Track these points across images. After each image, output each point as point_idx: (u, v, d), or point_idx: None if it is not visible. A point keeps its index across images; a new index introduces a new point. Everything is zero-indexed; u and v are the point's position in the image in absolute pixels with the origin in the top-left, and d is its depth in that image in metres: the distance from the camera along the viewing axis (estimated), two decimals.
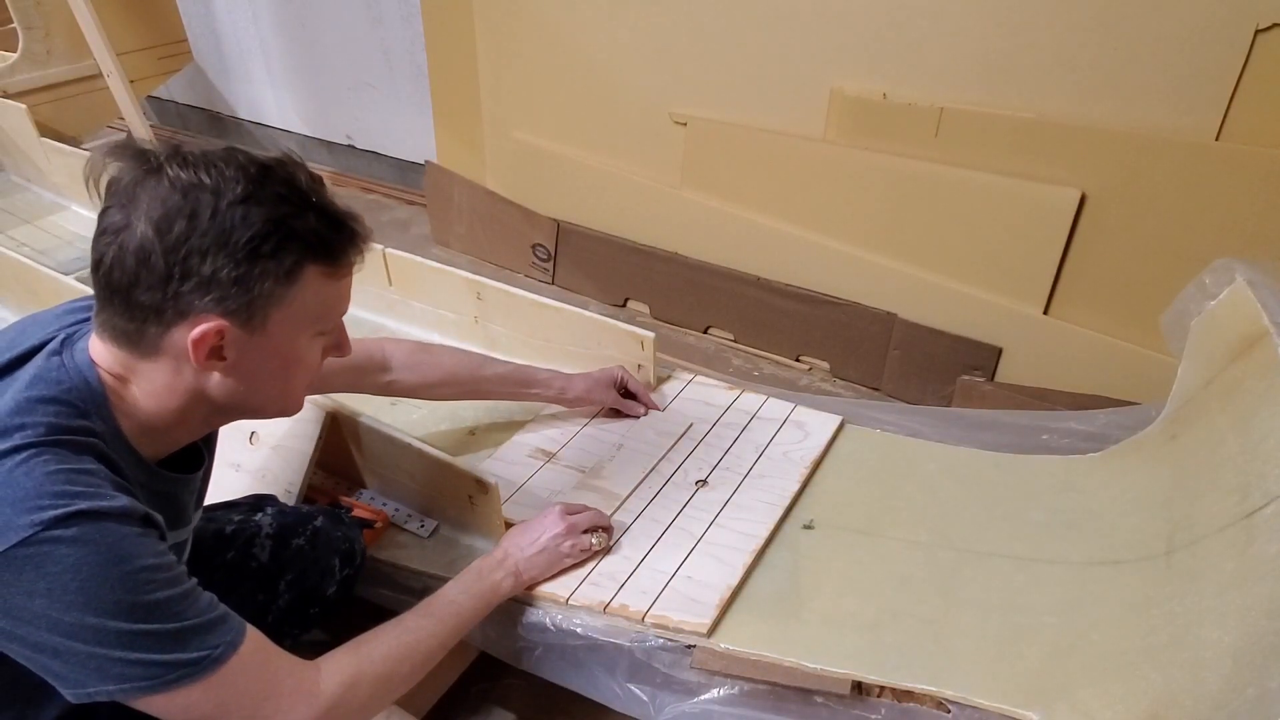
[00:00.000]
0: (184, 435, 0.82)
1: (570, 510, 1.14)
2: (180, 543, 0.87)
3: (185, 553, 0.90)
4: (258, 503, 1.12)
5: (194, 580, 0.75)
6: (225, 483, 1.25)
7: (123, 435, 0.76)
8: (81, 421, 0.72)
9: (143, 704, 0.71)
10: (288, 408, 0.85)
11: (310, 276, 0.76)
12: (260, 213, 0.72)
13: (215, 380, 0.77)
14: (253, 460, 1.26)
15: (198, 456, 0.88)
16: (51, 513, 0.66)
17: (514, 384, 1.35)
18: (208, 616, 0.73)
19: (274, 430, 1.25)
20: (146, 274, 0.70)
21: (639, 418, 1.44)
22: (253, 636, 0.76)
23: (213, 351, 0.74)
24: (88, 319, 0.81)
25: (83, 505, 0.67)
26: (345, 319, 0.87)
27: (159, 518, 0.75)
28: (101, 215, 0.72)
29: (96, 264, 0.72)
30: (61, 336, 0.77)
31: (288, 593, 1.06)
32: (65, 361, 0.75)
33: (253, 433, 1.26)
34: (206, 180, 0.71)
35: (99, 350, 0.76)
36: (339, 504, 1.26)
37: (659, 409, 1.45)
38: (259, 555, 1.05)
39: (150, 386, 0.76)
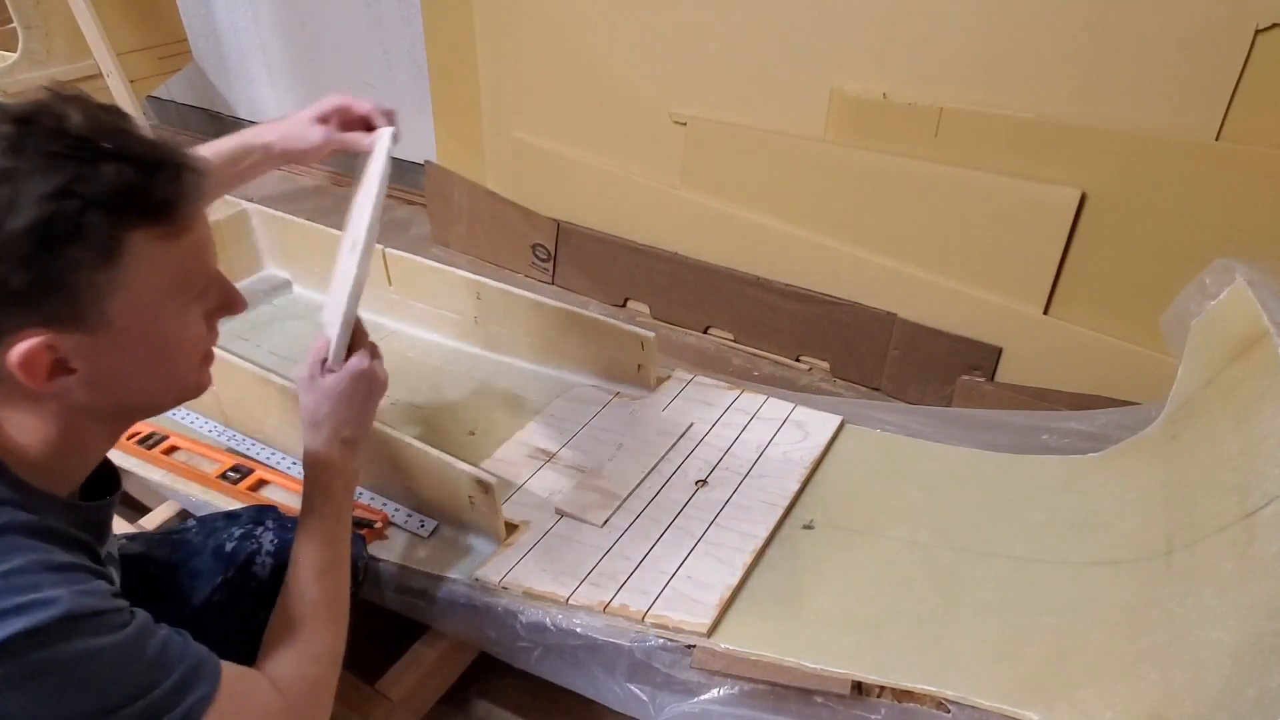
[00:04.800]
0: (91, 458, 0.72)
1: (314, 368, 0.93)
2: (109, 553, 0.78)
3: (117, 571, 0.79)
4: (259, 515, 1.09)
5: (160, 632, 0.65)
6: None
7: (26, 485, 0.63)
8: None
9: None
10: (186, 391, 0.73)
11: (137, 245, 0.61)
12: (34, 188, 0.56)
13: (80, 395, 0.64)
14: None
15: (113, 474, 0.78)
16: None
17: (243, 162, 1.13)
18: (172, 680, 0.63)
19: None
20: None
21: (367, 149, 1.18)
22: (225, 681, 0.68)
23: (54, 368, 0.61)
24: None
25: (7, 631, 0.54)
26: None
27: (109, 571, 0.66)
28: None
29: None
30: None
31: None
32: None
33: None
34: None
35: None
36: None
37: (394, 128, 1.15)
38: (259, 574, 1.02)
39: (23, 423, 0.64)
